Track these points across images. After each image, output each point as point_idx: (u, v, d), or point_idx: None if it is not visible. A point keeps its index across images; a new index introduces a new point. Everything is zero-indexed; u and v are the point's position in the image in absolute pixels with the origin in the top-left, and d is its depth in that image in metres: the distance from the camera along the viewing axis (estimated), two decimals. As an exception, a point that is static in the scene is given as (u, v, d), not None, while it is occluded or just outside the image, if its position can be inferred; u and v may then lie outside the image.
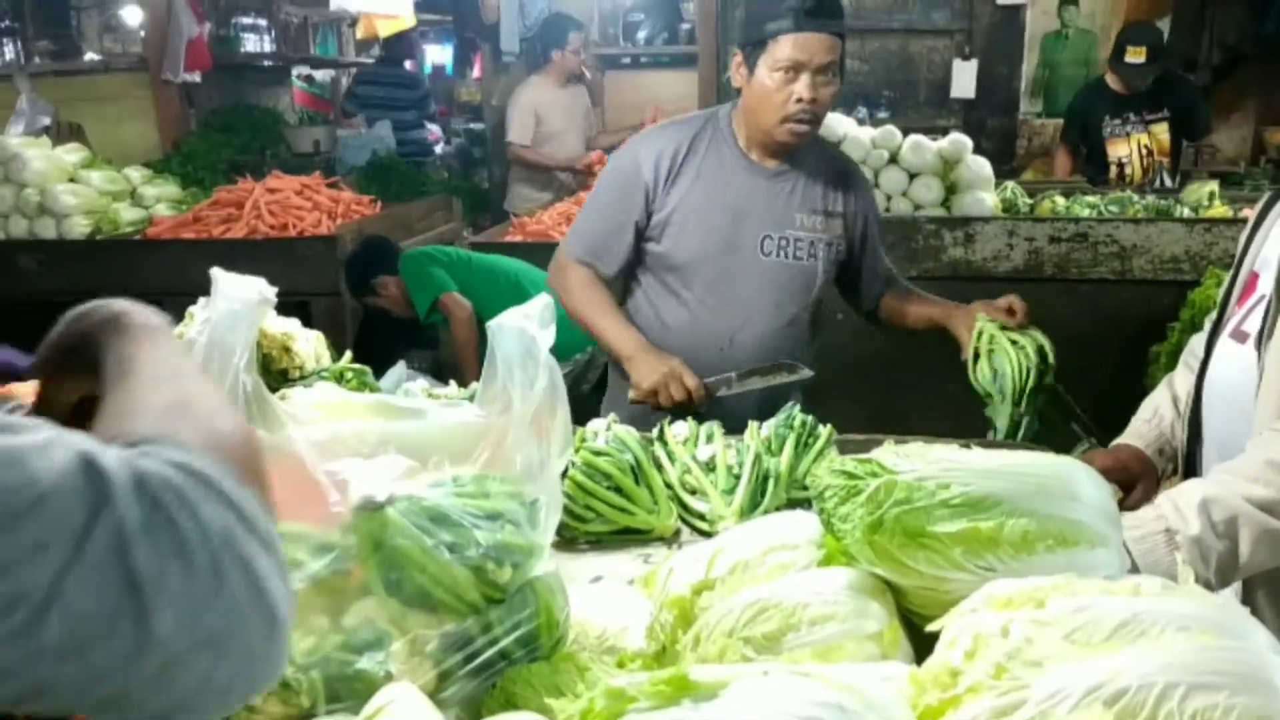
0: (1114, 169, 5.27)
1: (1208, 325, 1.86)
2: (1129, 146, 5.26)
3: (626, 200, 2.50)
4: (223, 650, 0.63)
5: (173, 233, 4.41)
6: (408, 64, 7.73)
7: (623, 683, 0.91)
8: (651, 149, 2.51)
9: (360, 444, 1.25)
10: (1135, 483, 1.82)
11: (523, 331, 1.28)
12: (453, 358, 4.34)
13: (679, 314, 2.52)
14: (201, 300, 1.21)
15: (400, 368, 2.78)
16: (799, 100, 2.35)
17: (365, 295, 4.22)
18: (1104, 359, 3.74)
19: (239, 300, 1.19)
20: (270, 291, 1.22)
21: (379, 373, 2.40)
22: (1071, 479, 1.21)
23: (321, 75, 9.49)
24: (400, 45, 7.48)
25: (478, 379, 3.88)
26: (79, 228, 4.40)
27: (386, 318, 4.30)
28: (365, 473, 1.19)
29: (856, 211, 2.60)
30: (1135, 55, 5.07)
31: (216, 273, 1.23)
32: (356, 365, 2.31)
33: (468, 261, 4.12)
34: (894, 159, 4.32)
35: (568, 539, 1.80)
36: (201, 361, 1.17)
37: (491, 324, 1.30)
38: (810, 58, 2.32)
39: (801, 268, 2.52)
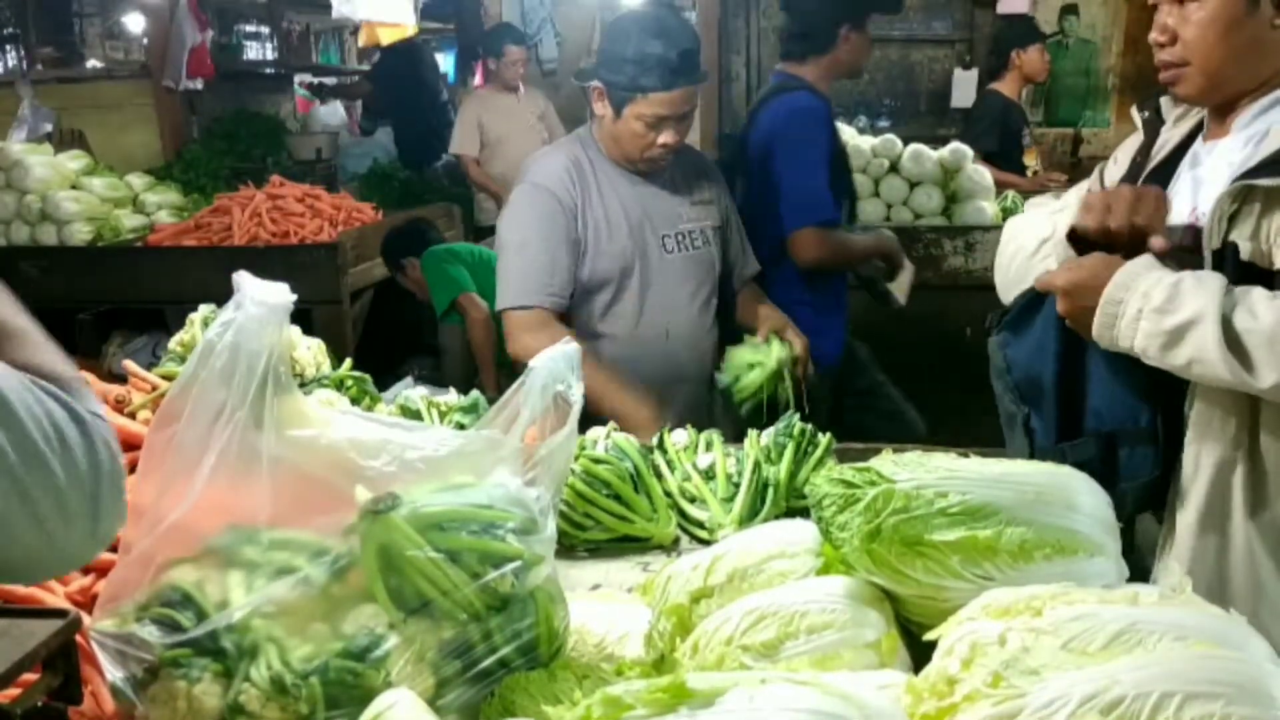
0: (1029, 173, 5.69)
1: None
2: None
3: (556, 227, 2.55)
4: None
5: (174, 240, 4.42)
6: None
7: (620, 690, 0.91)
8: (549, 176, 2.59)
9: (361, 451, 1.25)
10: None
11: (555, 369, 1.33)
12: (453, 366, 4.35)
13: (616, 325, 2.62)
14: (231, 302, 1.22)
15: (407, 383, 2.79)
16: (663, 146, 2.53)
17: (395, 271, 4.43)
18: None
19: (265, 304, 1.19)
20: (291, 297, 1.23)
21: (380, 380, 2.40)
22: (1069, 488, 1.22)
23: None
24: (406, 53, 7.50)
25: (494, 380, 3.82)
26: (81, 234, 4.41)
27: (390, 321, 4.33)
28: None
29: (719, 194, 2.81)
30: None
31: (241, 277, 1.23)
32: (357, 373, 2.32)
33: (489, 261, 4.16)
34: (894, 168, 4.33)
35: (567, 547, 1.80)
36: (224, 362, 1.17)
37: (533, 361, 1.34)
38: (675, 111, 2.50)
39: (701, 256, 2.72)
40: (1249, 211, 1.55)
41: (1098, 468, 1.47)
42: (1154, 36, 1.67)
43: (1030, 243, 1.88)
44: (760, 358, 2.56)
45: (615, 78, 2.50)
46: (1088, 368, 1.67)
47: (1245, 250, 1.55)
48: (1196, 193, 1.71)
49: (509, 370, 4.12)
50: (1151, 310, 1.50)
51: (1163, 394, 1.65)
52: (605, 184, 2.61)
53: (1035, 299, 1.72)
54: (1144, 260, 1.56)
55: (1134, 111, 1.95)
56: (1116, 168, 1.93)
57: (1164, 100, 1.88)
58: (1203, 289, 1.49)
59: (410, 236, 4.40)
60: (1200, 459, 1.61)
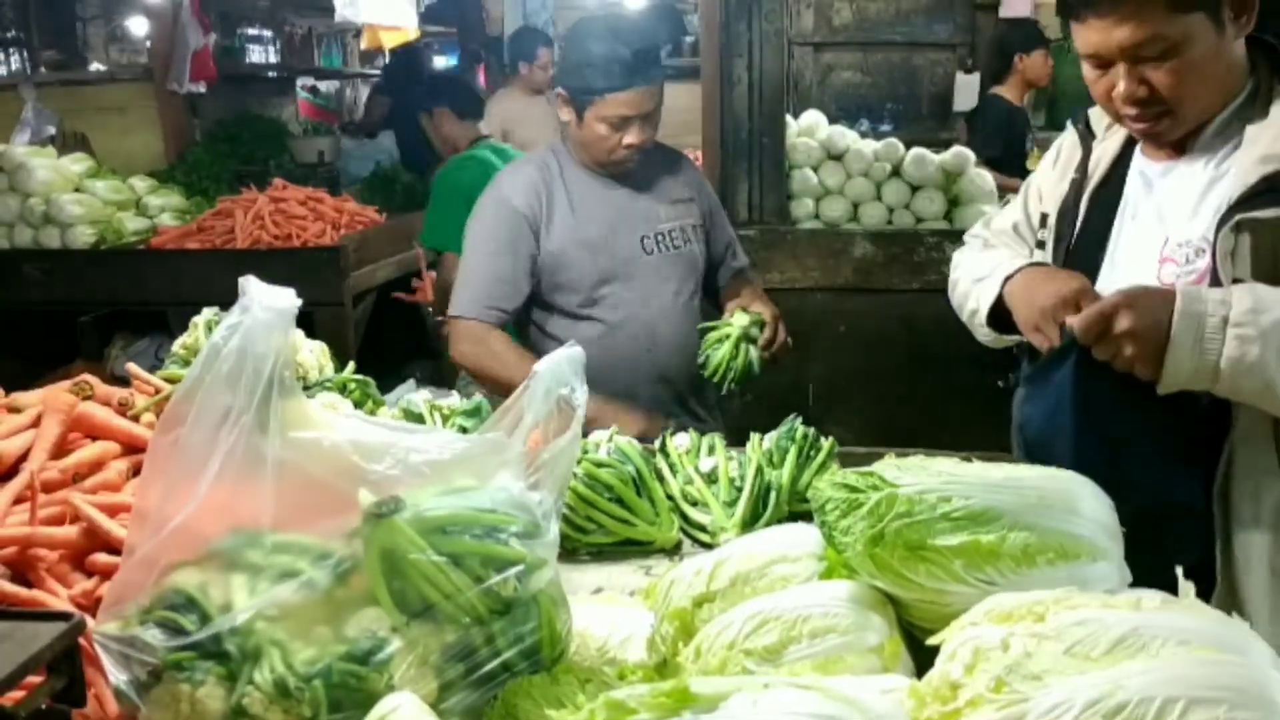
0: None
1: None
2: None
3: (515, 241, 2.59)
4: None
5: (177, 242, 4.42)
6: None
7: (623, 695, 0.91)
8: (518, 187, 2.62)
9: (364, 454, 1.25)
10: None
11: (559, 373, 1.32)
12: (455, 368, 4.34)
13: (594, 332, 2.61)
14: (237, 306, 1.22)
15: (409, 386, 2.80)
16: (628, 146, 2.54)
17: (423, 113, 4.41)
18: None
19: (271, 309, 1.20)
20: (296, 301, 1.23)
21: (382, 383, 2.40)
22: (1072, 493, 1.22)
23: (326, 86, 9.52)
24: (408, 57, 7.50)
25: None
26: (84, 237, 4.41)
27: (393, 324, 4.33)
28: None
29: (698, 190, 2.83)
30: None
31: (247, 281, 1.24)
32: (359, 376, 2.32)
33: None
34: (896, 172, 4.33)
35: (569, 550, 1.80)
36: (231, 366, 1.18)
37: (537, 365, 1.33)
38: (637, 110, 2.51)
39: (682, 255, 2.73)
40: (1242, 243, 1.52)
41: (1135, 545, 1.36)
42: (1128, 94, 1.57)
43: (983, 305, 1.86)
44: (725, 330, 2.56)
45: (574, 82, 2.53)
46: (1121, 435, 1.54)
47: None
48: (1164, 222, 1.67)
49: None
50: (1243, 312, 1.42)
51: (1203, 464, 1.58)
52: (576, 191, 2.63)
53: (1055, 355, 1.60)
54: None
55: (1069, 125, 1.91)
56: (1051, 192, 1.89)
57: (1092, 113, 1.84)
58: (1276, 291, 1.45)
59: (453, 85, 4.32)
60: (1250, 544, 1.58)
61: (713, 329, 2.58)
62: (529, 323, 2.72)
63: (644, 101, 2.51)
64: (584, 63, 2.51)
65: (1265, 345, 1.42)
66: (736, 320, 2.56)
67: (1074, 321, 1.52)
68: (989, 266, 1.88)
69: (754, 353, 2.52)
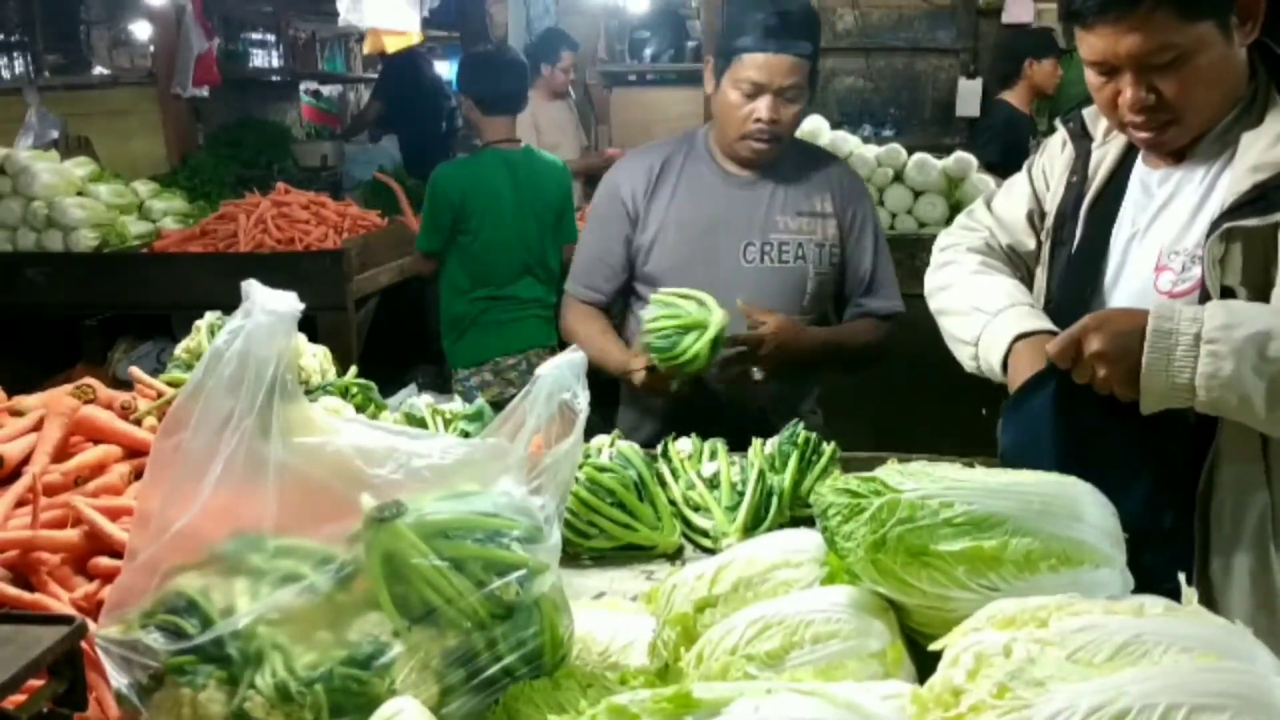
0: None
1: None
2: None
3: (610, 225, 2.60)
4: None
5: (179, 246, 4.42)
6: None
7: (625, 700, 0.91)
8: (626, 173, 2.62)
9: (366, 459, 1.25)
10: None
11: (561, 377, 1.32)
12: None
13: None
14: (240, 310, 1.22)
15: (411, 390, 2.80)
16: (758, 120, 2.40)
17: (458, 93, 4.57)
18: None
19: (273, 313, 1.20)
20: (299, 305, 1.23)
21: (384, 388, 2.40)
22: (1075, 499, 1.22)
23: (329, 90, 9.54)
24: (408, 61, 7.51)
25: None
26: (86, 241, 4.41)
27: (395, 329, 4.33)
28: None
29: (849, 210, 2.59)
30: None
31: (250, 285, 1.24)
32: (362, 380, 2.32)
33: (493, 187, 4.00)
34: (899, 177, 4.33)
35: (571, 555, 1.80)
36: (233, 370, 1.18)
37: (540, 369, 1.34)
38: (771, 79, 2.37)
39: (789, 270, 2.53)
40: (1233, 251, 1.52)
41: None
42: (1135, 101, 1.55)
43: (988, 355, 1.78)
44: (691, 320, 2.26)
45: (717, 45, 2.49)
46: (1100, 463, 1.47)
47: (1242, 295, 1.52)
48: (1161, 230, 1.67)
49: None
50: (1215, 328, 1.40)
51: (1185, 485, 1.58)
52: (689, 184, 2.56)
53: (1033, 383, 1.59)
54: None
55: (1059, 124, 1.89)
56: (1050, 193, 1.87)
57: (1086, 113, 1.81)
58: (1254, 306, 1.44)
59: (482, 72, 4.13)
60: (1232, 557, 1.57)
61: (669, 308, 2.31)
62: (626, 305, 2.70)
63: (779, 71, 2.36)
64: (729, 23, 2.46)
65: (1239, 360, 1.40)
66: (714, 317, 2.25)
67: (1049, 348, 1.52)
68: (991, 297, 1.81)
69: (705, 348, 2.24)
